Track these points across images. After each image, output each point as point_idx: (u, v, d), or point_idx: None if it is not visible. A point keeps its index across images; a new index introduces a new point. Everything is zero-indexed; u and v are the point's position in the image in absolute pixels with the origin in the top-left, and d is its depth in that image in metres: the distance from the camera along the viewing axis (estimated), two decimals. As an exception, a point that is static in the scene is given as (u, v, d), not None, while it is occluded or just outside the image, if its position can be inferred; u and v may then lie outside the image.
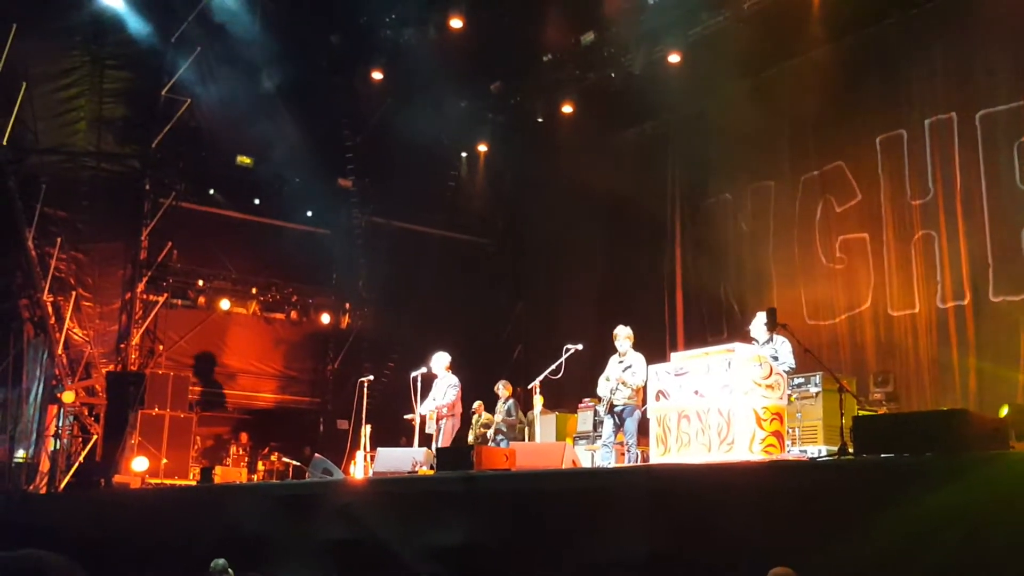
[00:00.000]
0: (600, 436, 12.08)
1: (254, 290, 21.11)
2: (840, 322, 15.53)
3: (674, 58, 16.95)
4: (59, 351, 17.83)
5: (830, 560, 5.23)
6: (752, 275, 17.25)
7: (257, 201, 21.35)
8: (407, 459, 11.30)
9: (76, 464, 17.70)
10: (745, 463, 7.80)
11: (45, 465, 18.00)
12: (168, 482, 16.27)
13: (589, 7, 16.97)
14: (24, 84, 17.78)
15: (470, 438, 14.85)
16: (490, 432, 14.62)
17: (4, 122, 17.64)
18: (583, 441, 14.57)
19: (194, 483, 16.02)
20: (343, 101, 21.26)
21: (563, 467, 10.22)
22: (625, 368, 10.96)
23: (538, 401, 12.74)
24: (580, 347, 11.95)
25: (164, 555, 11.81)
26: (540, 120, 20.02)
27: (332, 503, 9.70)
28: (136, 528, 12.95)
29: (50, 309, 17.93)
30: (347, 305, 22.30)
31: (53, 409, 18.20)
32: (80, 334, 18.35)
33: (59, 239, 18.06)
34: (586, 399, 14.90)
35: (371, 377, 14.28)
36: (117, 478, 16.32)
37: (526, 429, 14.86)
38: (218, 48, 19.22)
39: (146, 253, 19.23)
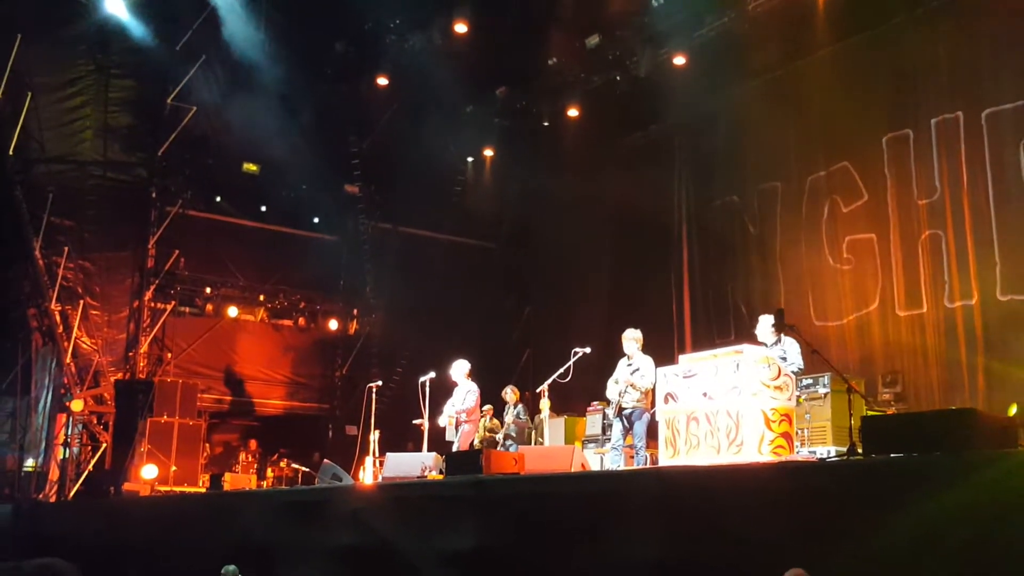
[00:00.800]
0: (609, 439, 12.07)
1: (262, 297, 21.13)
2: (848, 323, 15.50)
3: (679, 60, 16.94)
4: (67, 360, 17.86)
5: (841, 560, 5.21)
6: (759, 276, 17.23)
7: (264, 208, 21.39)
8: (416, 464, 11.29)
9: (85, 472, 17.72)
10: (754, 465, 7.79)
11: (54, 474, 18.03)
12: (178, 489, 16.28)
13: (594, 10, 16.97)
14: (30, 94, 17.85)
15: (475, 442, 14.84)
16: (499, 436, 14.60)
17: (10, 132, 17.70)
18: (592, 444, 14.56)
19: (204, 490, 16.04)
20: (349, 107, 21.28)
21: (572, 470, 10.20)
22: (634, 371, 10.96)
23: (546, 405, 12.73)
24: (588, 350, 11.92)
25: (174, 562, 11.82)
26: (546, 124, 20.02)
27: (341, 509, 9.71)
28: (146, 536, 12.97)
29: (58, 318, 17.96)
30: (355, 311, 22.30)
31: (62, 418, 18.23)
32: (88, 343, 18.38)
33: (66, 248, 18.09)
34: (595, 402, 14.89)
35: (379, 383, 14.29)
36: (127, 486, 16.34)
37: (534, 433, 14.84)
38: (223, 55, 19.26)
39: (153, 261, 19.23)
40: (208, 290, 20.38)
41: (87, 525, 14.64)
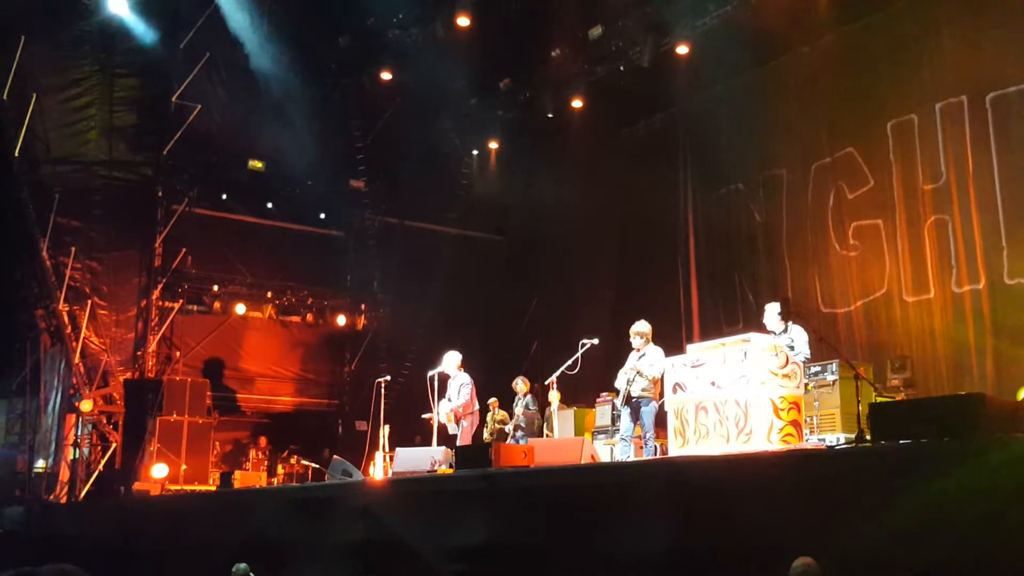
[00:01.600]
0: (618, 430, 12.07)
1: (269, 294, 21.15)
2: (855, 309, 15.48)
3: (683, 50, 16.90)
4: (76, 360, 17.91)
5: (850, 547, 5.21)
6: (766, 264, 17.22)
7: (270, 205, 21.42)
8: (426, 459, 11.29)
9: (96, 473, 17.80)
10: (764, 453, 7.79)
11: (65, 474, 18.11)
12: (188, 488, 16.32)
13: (596, 1, 16.95)
14: (35, 95, 17.92)
15: (485, 435, 14.85)
16: (509, 428, 14.62)
17: (16, 133, 17.76)
18: (601, 436, 14.56)
19: (214, 488, 16.07)
20: (353, 102, 21.31)
21: (582, 462, 10.21)
22: (640, 357, 10.94)
23: (555, 397, 12.72)
24: (596, 342, 11.91)
25: (186, 561, 11.86)
26: (550, 116, 19.99)
27: (352, 504, 9.73)
28: (157, 535, 13.02)
29: (66, 318, 18.01)
30: (362, 306, 22.33)
31: (72, 418, 18.30)
32: (97, 342, 18.43)
33: (73, 248, 18.15)
34: (603, 393, 14.88)
35: (388, 377, 14.28)
36: (137, 485, 16.38)
37: (544, 425, 14.85)
38: (227, 53, 19.28)
39: (160, 260, 19.27)
40: (215, 288, 20.40)
41: (98, 525, 14.70)
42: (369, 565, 9.16)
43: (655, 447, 11.02)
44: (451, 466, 10.45)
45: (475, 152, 22.26)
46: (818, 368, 11.70)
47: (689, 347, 9.95)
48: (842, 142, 15.95)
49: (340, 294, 22.26)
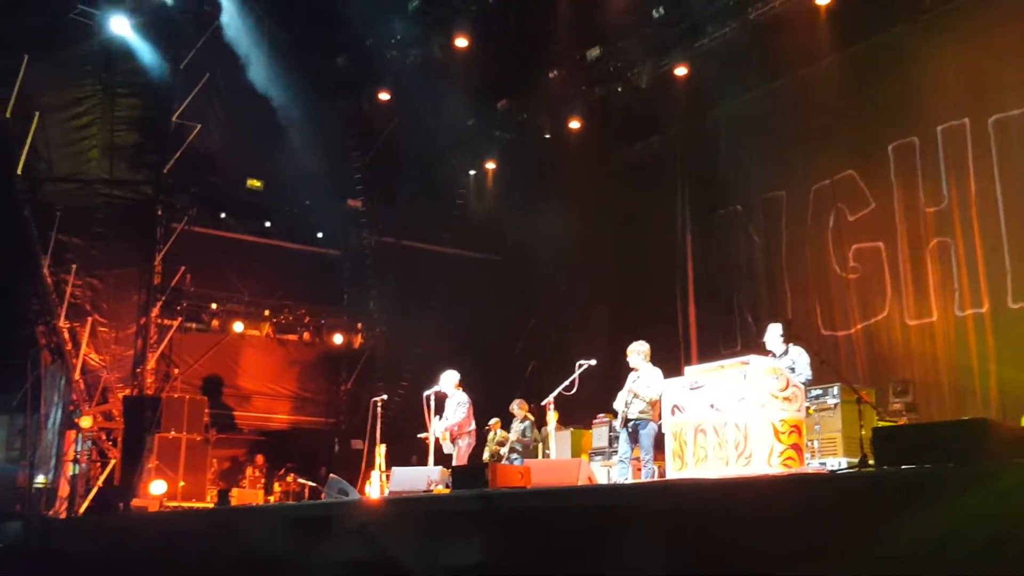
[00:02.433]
0: (616, 452, 12.01)
1: (267, 312, 21.18)
2: (856, 332, 15.43)
3: (681, 71, 16.94)
4: (76, 376, 17.93)
5: (851, 574, 5.17)
6: (765, 286, 17.20)
7: (268, 224, 21.51)
8: (422, 478, 11.25)
9: (95, 489, 17.78)
10: (764, 477, 7.73)
11: (64, 490, 18.09)
12: (186, 505, 16.29)
13: (594, 22, 16.97)
14: (37, 114, 17.96)
15: (485, 455, 14.79)
16: (504, 450, 14.56)
17: (18, 152, 17.80)
18: (599, 457, 14.51)
19: (211, 505, 16.04)
20: (351, 122, 21.41)
21: (579, 484, 10.15)
22: (637, 379, 10.88)
23: (552, 417, 12.68)
24: (593, 362, 11.85)
25: (182, 579, 11.79)
26: (548, 136, 20.05)
27: (348, 523, 9.66)
28: (155, 552, 12.94)
29: (67, 335, 18.02)
30: (359, 325, 22.32)
31: (71, 434, 18.31)
32: (96, 359, 18.44)
33: (74, 266, 18.19)
34: (600, 414, 14.84)
35: (384, 396, 14.26)
36: (135, 502, 16.37)
37: (540, 446, 14.79)
38: (227, 73, 19.35)
39: (160, 278, 19.33)
40: (214, 306, 20.44)
41: (97, 541, 14.62)
42: (365, 585, 9.10)
43: (653, 470, 10.94)
44: (447, 486, 10.41)
45: (472, 172, 22.32)
46: (819, 391, 11.68)
47: (687, 369, 9.88)
48: (842, 164, 15.93)
49: (337, 313, 22.26)
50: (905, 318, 14.71)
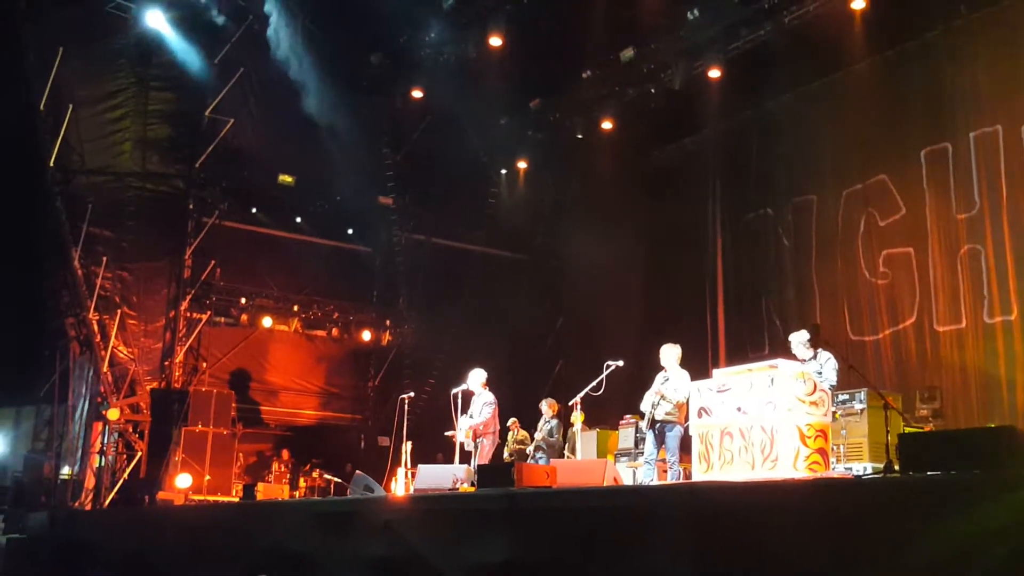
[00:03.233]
0: (642, 453, 11.99)
1: (296, 307, 21.25)
2: (884, 337, 15.36)
3: (714, 73, 16.86)
4: (104, 368, 18.04)
5: (876, 579, 5.15)
6: (794, 290, 17.14)
7: (299, 219, 21.55)
8: (448, 476, 11.27)
9: (120, 481, 17.89)
10: (789, 481, 7.71)
11: (90, 482, 18.21)
12: (211, 499, 16.37)
13: (628, 23, 16.94)
14: (70, 106, 18.10)
15: (505, 454, 14.80)
16: (529, 448, 14.56)
17: (51, 144, 17.95)
18: (624, 458, 14.49)
19: (237, 500, 16.10)
20: (383, 120, 21.41)
21: (604, 484, 10.15)
22: (665, 381, 10.89)
23: (578, 418, 12.67)
24: (621, 363, 11.83)
25: (207, 572, 11.86)
26: (580, 136, 20.01)
27: (373, 520, 9.70)
28: (179, 545, 13.02)
29: (96, 327, 18.15)
30: (388, 322, 22.35)
31: (98, 426, 18.43)
32: (125, 352, 18.56)
33: (105, 258, 18.31)
34: (627, 416, 14.81)
35: (412, 394, 14.29)
36: (161, 495, 16.46)
37: (566, 447, 14.79)
38: (260, 68, 19.44)
39: (190, 271, 19.43)
40: (243, 300, 20.52)
41: (122, 534, 14.73)
42: (389, 582, 9.13)
43: (679, 471, 10.94)
44: (473, 484, 10.43)
45: (504, 171, 22.29)
46: (846, 396, 11.62)
47: (715, 371, 9.88)
48: (874, 169, 15.87)
49: (366, 309, 22.32)
50: (934, 324, 14.64)
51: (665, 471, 11.26)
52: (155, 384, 18.82)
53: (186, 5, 18.82)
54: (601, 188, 20.43)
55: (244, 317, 20.52)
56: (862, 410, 11.57)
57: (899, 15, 14.97)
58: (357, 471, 13.49)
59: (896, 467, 6.37)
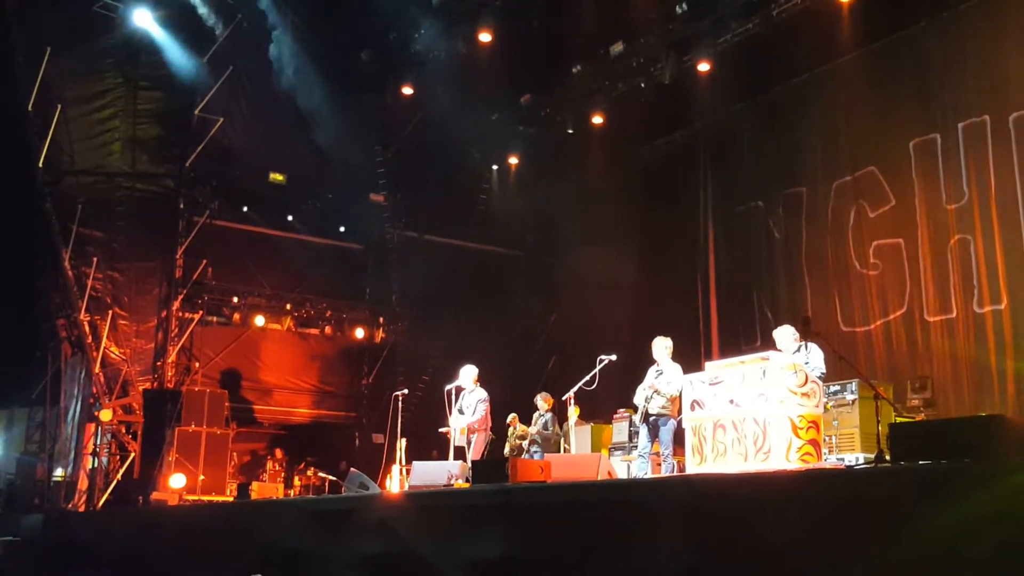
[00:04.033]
0: (636, 447, 12.02)
1: (288, 306, 21.22)
2: (875, 328, 15.42)
3: (704, 67, 16.88)
4: (96, 369, 18.01)
5: (868, 569, 5.18)
6: (785, 282, 17.19)
7: (290, 217, 21.53)
8: (443, 472, 11.28)
9: (114, 482, 17.87)
10: (782, 472, 7.74)
11: (83, 483, 18.18)
12: (205, 498, 16.35)
13: (618, 17, 16.96)
14: (59, 106, 18.07)
15: (506, 451, 14.83)
16: (525, 443, 14.59)
17: (40, 144, 17.90)
18: (618, 452, 14.52)
19: (231, 499, 16.11)
20: (374, 117, 21.40)
21: (599, 478, 10.18)
22: (659, 375, 10.93)
23: (573, 412, 12.70)
24: (614, 357, 11.86)
25: (202, 572, 11.87)
26: (570, 131, 20.01)
27: (368, 517, 9.71)
28: (174, 545, 13.02)
29: (87, 328, 18.13)
30: (381, 319, 22.35)
31: (91, 427, 18.39)
32: (117, 352, 18.54)
33: (95, 259, 18.29)
34: (621, 410, 14.85)
35: (406, 391, 14.29)
36: (155, 495, 16.43)
37: (561, 441, 14.82)
38: (249, 66, 19.41)
39: (181, 271, 19.40)
40: (235, 299, 20.48)
41: (116, 534, 14.72)
42: (385, 578, 9.14)
43: (673, 464, 10.98)
44: (467, 480, 10.44)
45: (495, 167, 22.30)
46: (837, 387, 11.68)
47: (707, 364, 9.92)
48: (864, 161, 15.91)
49: (359, 307, 22.30)
50: (924, 314, 14.69)
51: (659, 464, 11.29)
52: (148, 384, 18.79)
53: (174, 4, 18.76)
54: (592, 183, 20.44)
55: (236, 316, 20.49)
56: (853, 401, 11.62)
57: (887, 7, 15.01)
58: (352, 469, 13.49)
59: (887, 457, 6.39)
